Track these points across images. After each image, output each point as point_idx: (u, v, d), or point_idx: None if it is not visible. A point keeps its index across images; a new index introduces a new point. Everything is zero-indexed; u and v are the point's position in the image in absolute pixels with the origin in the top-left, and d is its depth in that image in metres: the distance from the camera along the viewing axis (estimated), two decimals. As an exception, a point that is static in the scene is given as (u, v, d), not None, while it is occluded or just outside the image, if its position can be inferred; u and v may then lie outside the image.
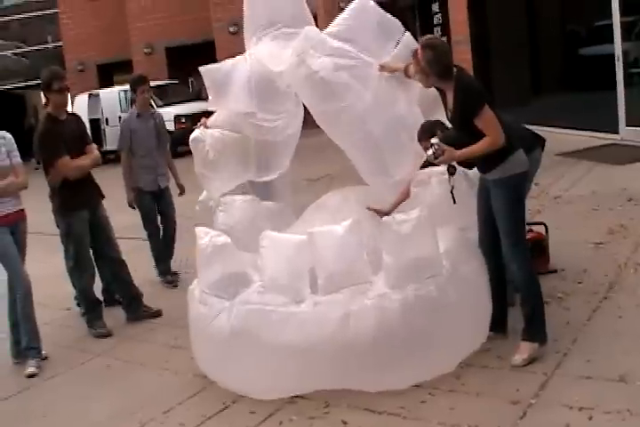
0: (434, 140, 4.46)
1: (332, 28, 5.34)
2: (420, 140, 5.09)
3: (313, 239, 4.49)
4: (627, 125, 11.42)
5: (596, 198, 7.86)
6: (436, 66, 4.44)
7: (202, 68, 5.65)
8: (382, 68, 5.22)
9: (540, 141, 5.55)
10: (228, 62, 5.66)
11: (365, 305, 4.30)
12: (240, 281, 4.67)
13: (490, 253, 4.78)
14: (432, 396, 4.19)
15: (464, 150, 4.48)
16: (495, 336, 4.77)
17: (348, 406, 4.21)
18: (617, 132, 11.55)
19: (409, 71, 5.01)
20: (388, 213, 4.95)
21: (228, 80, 5.53)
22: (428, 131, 5.02)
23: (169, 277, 7.42)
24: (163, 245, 7.49)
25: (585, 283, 5.55)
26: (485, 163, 4.57)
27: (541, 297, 4.61)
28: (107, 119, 20.87)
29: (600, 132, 11.66)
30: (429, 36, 4.72)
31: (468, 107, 4.40)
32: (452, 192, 4.64)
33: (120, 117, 21.01)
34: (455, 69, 4.50)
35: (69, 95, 6.91)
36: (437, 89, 4.69)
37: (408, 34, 5.46)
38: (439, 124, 5.01)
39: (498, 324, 4.82)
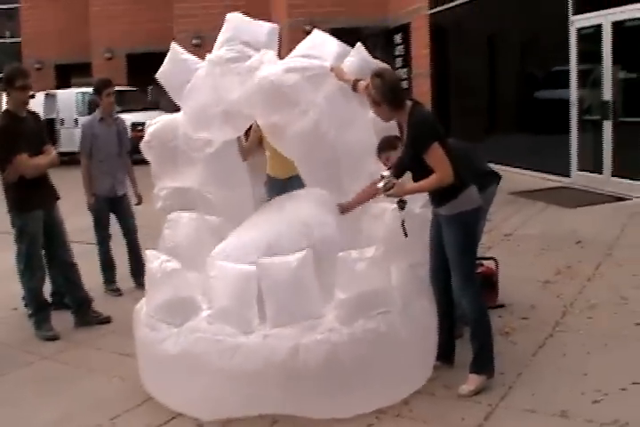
0: (385, 173, 4.47)
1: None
2: (379, 153, 5.13)
3: (264, 270, 4.49)
4: (578, 170, 11.79)
5: (545, 239, 8.10)
6: (384, 93, 4.48)
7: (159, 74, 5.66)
8: (332, 70, 5.19)
9: (496, 178, 5.76)
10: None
11: (315, 339, 4.32)
12: (188, 308, 4.67)
13: (440, 286, 4.86)
14: (379, 420, 4.26)
15: (413, 185, 4.57)
16: (442, 366, 4.87)
17: (296, 425, 4.25)
18: (568, 176, 11.91)
19: (357, 86, 4.99)
20: (348, 208, 5.05)
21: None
22: (387, 145, 5.07)
23: (114, 285, 7.38)
24: (129, 254, 7.49)
25: (532, 319, 5.73)
26: (437, 197, 4.65)
27: (490, 332, 4.73)
28: (62, 120, 20.64)
29: (552, 174, 12.00)
30: (379, 67, 4.79)
31: (418, 143, 4.45)
32: (402, 226, 4.64)
33: (76, 120, 20.89)
34: (411, 103, 4.55)
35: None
36: (397, 125, 4.74)
37: (363, 48, 5.41)
38: (399, 138, 4.98)
39: (445, 355, 4.93)
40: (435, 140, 4.40)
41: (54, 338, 6.02)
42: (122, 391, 4.93)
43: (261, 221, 5.12)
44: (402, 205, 4.60)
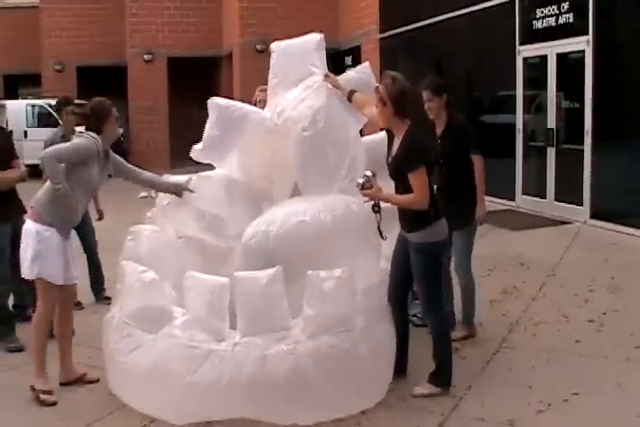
0: (367, 173, 4.72)
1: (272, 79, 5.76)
2: (429, 89, 5.78)
3: (236, 283, 4.71)
4: (522, 194, 12.25)
5: (491, 260, 8.48)
6: (392, 94, 4.71)
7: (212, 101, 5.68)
8: (327, 77, 5.44)
9: None
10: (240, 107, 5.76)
11: (281, 350, 4.58)
12: (164, 315, 4.88)
13: (396, 303, 5.15)
14: (339, 428, 4.54)
15: (389, 194, 4.84)
16: (397, 378, 5.12)
17: (260, 431, 4.51)
18: (513, 200, 12.36)
19: (353, 98, 5.29)
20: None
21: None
22: (441, 87, 5.69)
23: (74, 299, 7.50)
24: (89, 269, 7.59)
25: (480, 336, 6.07)
26: (408, 224, 4.92)
27: (450, 351, 5.08)
28: (11, 131, 20.50)
29: (497, 197, 12.43)
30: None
31: (409, 160, 4.70)
32: (379, 228, 4.88)
33: (25, 132, 20.82)
34: (409, 122, 4.83)
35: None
36: (388, 132, 4.99)
37: (369, 68, 5.79)
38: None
39: (399, 367, 5.18)
40: (423, 164, 4.70)
41: (19, 349, 6.10)
42: (91, 401, 5.08)
43: (294, 201, 5.45)
44: (375, 209, 4.83)
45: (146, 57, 23.58)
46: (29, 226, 5.17)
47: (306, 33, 5.83)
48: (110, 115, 5.30)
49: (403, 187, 4.80)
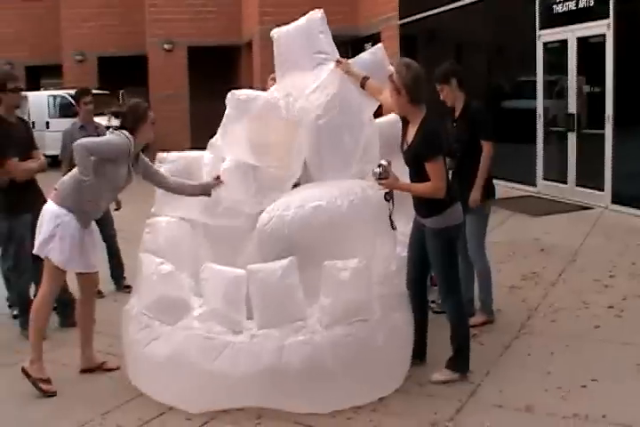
0: (383, 162, 4.69)
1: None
2: (437, 80, 5.70)
3: (251, 276, 4.72)
4: (543, 179, 12.18)
5: (511, 246, 8.47)
6: (406, 82, 4.65)
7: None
8: (339, 63, 5.37)
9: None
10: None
11: (298, 341, 4.60)
12: (181, 307, 4.92)
13: (415, 288, 5.16)
14: (357, 414, 4.54)
15: (406, 184, 4.83)
16: (415, 364, 5.12)
17: (279, 419, 4.51)
18: (534, 185, 12.29)
19: (367, 84, 5.22)
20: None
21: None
22: (445, 74, 5.64)
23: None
24: (109, 258, 7.69)
25: (498, 322, 6.05)
26: (423, 210, 4.91)
27: (469, 337, 5.08)
28: (33, 123, 20.66)
29: (518, 183, 12.38)
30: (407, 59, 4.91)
31: (426, 149, 4.67)
32: (390, 217, 4.88)
33: (47, 122, 20.96)
34: (426, 110, 4.78)
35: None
36: (402, 119, 4.94)
37: (382, 50, 5.68)
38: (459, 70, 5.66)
39: (418, 352, 5.19)
40: (440, 154, 4.68)
41: (40, 338, 6.18)
42: (111, 388, 5.12)
43: (310, 187, 5.40)
44: (387, 197, 4.83)
45: (166, 46, 23.64)
46: (50, 207, 5.22)
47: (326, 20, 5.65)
48: (146, 117, 5.27)
49: (418, 174, 4.78)
